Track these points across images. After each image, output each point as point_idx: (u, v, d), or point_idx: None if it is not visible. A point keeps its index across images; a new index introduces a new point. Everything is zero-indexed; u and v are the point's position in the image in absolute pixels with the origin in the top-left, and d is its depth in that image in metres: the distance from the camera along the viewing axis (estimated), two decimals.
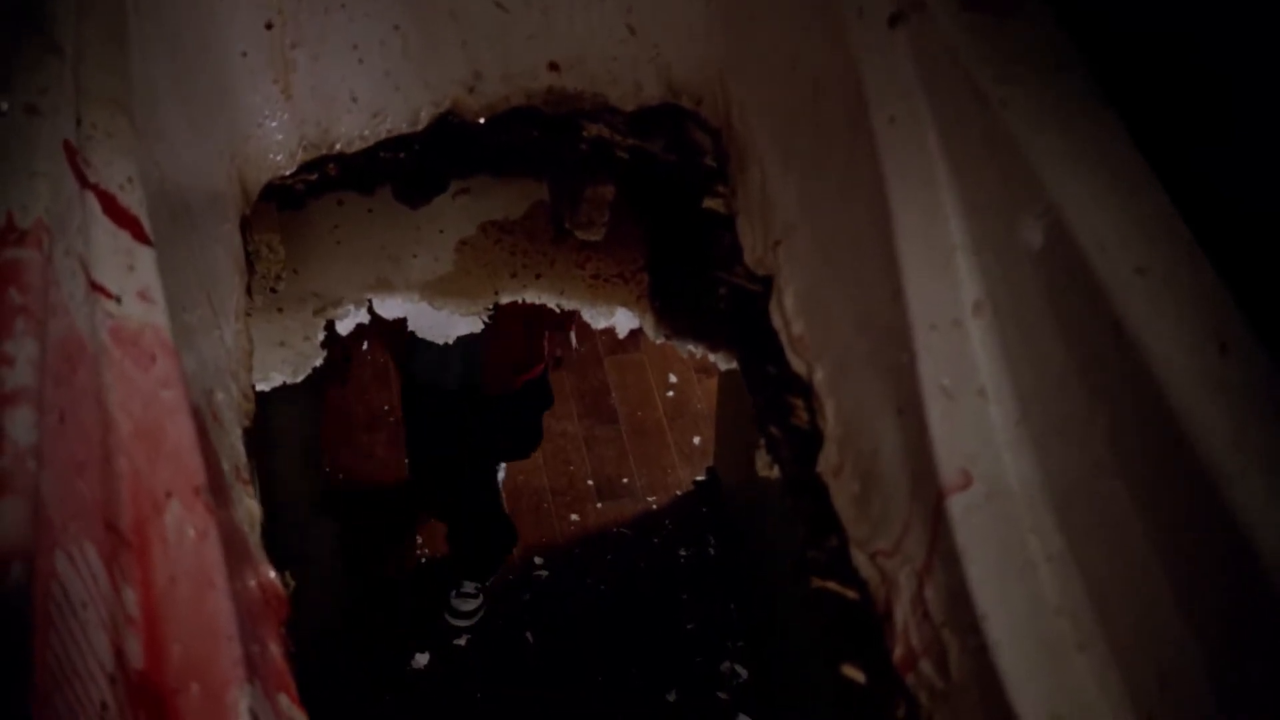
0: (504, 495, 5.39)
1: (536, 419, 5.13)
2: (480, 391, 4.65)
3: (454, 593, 5.28)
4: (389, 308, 2.79)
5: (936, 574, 1.14)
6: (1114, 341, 0.96)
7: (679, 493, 5.78)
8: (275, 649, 1.15)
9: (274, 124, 1.69)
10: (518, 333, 4.53)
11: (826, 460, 1.41)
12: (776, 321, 1.56)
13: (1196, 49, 1.15)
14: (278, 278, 1.99)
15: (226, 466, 1.23)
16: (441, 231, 2.61)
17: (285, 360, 2.71)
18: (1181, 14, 1.17)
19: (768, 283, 1.60)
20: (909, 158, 1.22)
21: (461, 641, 5.19)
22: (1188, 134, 1.14)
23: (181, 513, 0.96)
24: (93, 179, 1.06)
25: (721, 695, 4.93)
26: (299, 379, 2.66)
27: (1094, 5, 1.19)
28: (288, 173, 1.74)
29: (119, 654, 0.89)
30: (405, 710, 4.93)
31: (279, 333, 2.67)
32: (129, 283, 1.03)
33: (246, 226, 1.77)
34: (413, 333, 4.49)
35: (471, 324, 3.03)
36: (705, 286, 1.91)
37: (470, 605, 5.24)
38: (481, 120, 1.81)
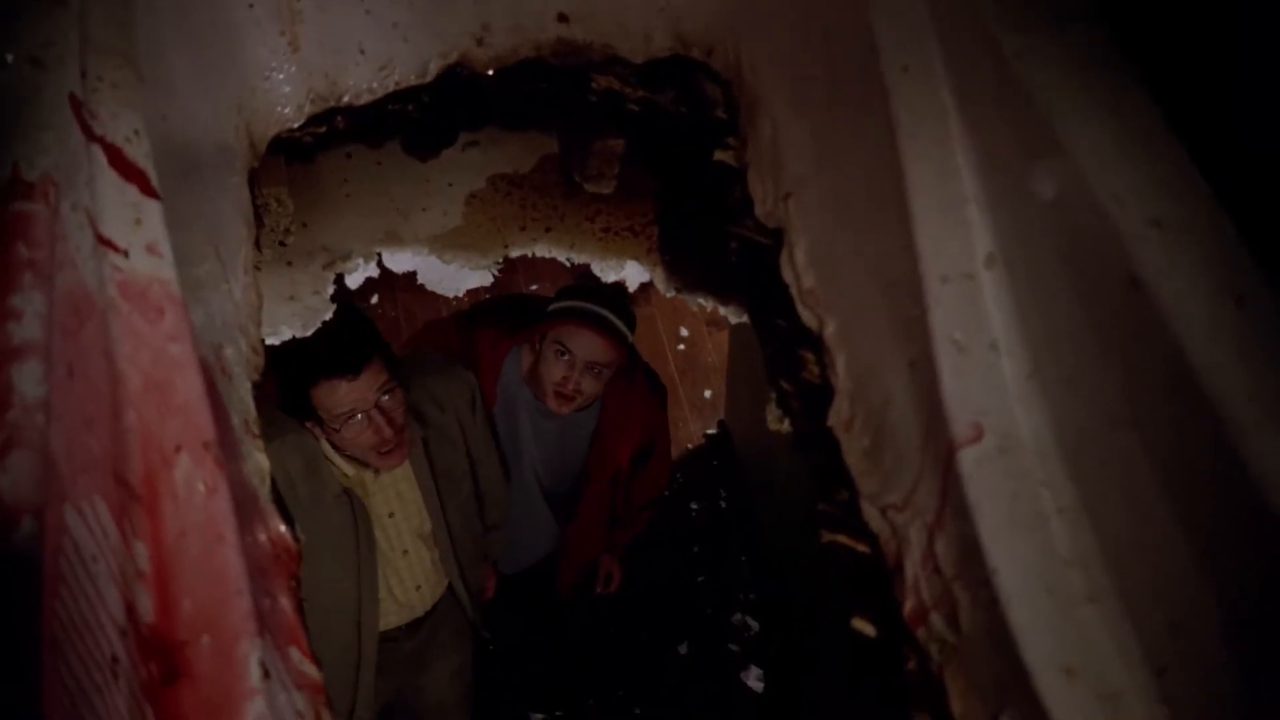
0: None
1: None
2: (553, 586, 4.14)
3: None
4: (398, 261, 2.79)
5: (947, 528, 1.14)
6: (1128, 294, 0.96)
7: (690, 446, 5.78)
8: (286, 602, 1.15)
9: (281, 76, 1.68)
10: (597, 530, 3.96)
11: (837, 414, 1.41)
12: (787, 274, 1.55)
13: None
14: (286, 231, 1.99)
15: (236, 420, 1.23)
16: (451, 184, 2.60)
17: (295, 314, 2.71)
18: None
19: (778, 235, 1.59)
20: (921, 108, 1.21)
21: None
22: (1204, 85, 1.12)
23: (191, 467, 0.96)
24: (99, 131, 1.05)
25: (733, 647, 4.95)
26: (308, 332, 2.66)
27: None
28: (295, 125, 1.73)
29: (130, 607, 0.90)
30: None
31: (288, 286, 2.67)
32: (136, 236, 1.03)
33: (255, 179, 1.76)
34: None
35: (481, 277, 3.01)
36: (716, 239, 1.90)
37: None
38: (490, 72, 1.80)
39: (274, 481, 1.29)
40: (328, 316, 2.75)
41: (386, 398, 2.53)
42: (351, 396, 2.47)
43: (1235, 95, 1.12)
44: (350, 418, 2.49)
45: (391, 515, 2.89)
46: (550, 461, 3.63)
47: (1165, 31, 1.15)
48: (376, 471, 2.77)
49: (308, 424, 2.57)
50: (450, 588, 3.21)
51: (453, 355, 3.29)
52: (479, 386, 3.08)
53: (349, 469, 2.72)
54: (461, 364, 3.22)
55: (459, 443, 3.00)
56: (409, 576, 3.04)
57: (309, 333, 2.68)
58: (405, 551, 2.98)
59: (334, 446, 2.64)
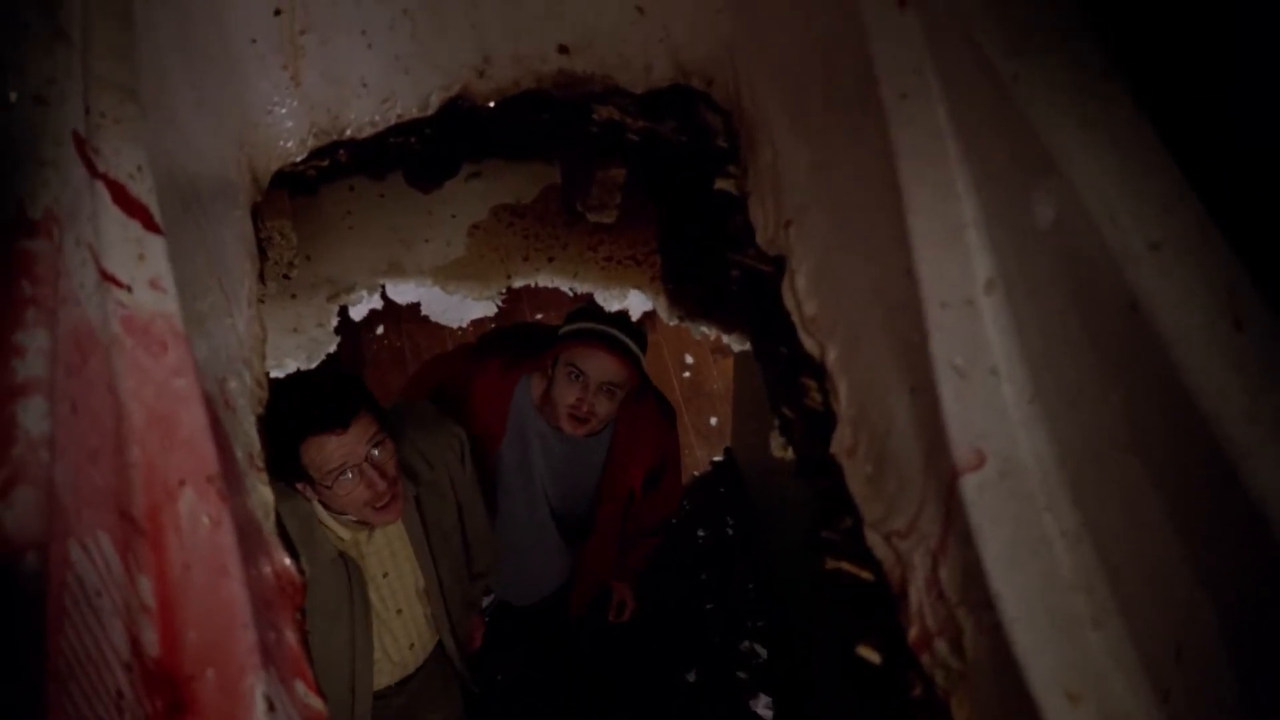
0: None
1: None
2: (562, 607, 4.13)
3: None
4: (402, 292, 2.79)
5: (951, 553, 1.14)
6: (1127, 317, 0.96)
7: (696, 473, 5.77)
8: (291, 635, 1.15)
9: (284, 110, 1.69)
10: (610, 550, 3.93)
11: (840, 441, 1.41)
12: (789, 302, 1.55)
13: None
14: (290, 264, 1.99)
15: (240, 454, 1.23)
16: (454, 215, 2.61)
17: (299, 346, 2.72)
18: None
19: (780, 263, 1.60)
20: (920, 134, 1.21)
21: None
22: (1203, 87, 1.13)
23: (195, 501, 0.97)
24: (102, 168, 1.06)
25: (741, 675, 4.94)
26: (313, 364, 2.66)
27: None
28: (298, 159, 1.74)
29: (134, 642, 0.90)
30: None
31: (292, 319, 2.68)
32: (140, 272, 1.03)
33: (258, 213, 1.77)
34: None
35: (485, 307, 3.01)
36: (718, 267, 1.91)
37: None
38: (492, 104, 1.81)
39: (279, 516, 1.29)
40: (332, 349, 2.74)
41: (377, 451, 2.49)
42: (341, 451, 2.43)
43: (1235, 95, 1.13)
44: (341, 473, 2.44)
45: (386, 575, 2.86)
46: (561, 486, 3.61)
47: (1162, 35, 1.16)
48: (370, 532, 2.74)
49: (298, 485, 2.53)
50: (439, 642, 3.20)
51: (459, 387, 3.28)
52: (467, 439, 3.05)
53: (344, 532, 2.68)
54: (465, 396, 3.21)
55: (449, 497, 2.97)
56: (403, 636, 3.02)
57: (314, 364, 2.67)
58: (399, 611, 2.96)
59: (326, 507, 2.60)
